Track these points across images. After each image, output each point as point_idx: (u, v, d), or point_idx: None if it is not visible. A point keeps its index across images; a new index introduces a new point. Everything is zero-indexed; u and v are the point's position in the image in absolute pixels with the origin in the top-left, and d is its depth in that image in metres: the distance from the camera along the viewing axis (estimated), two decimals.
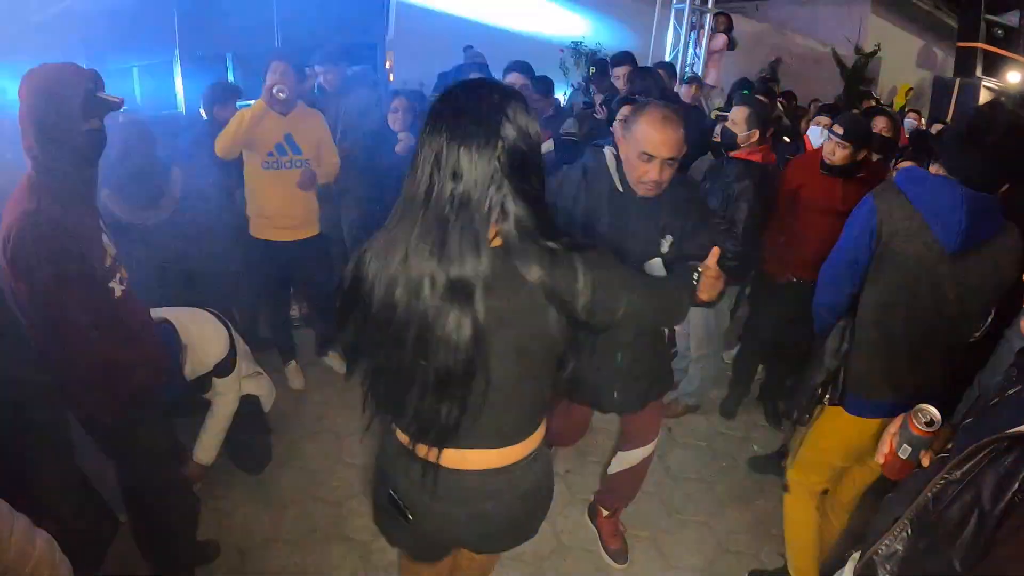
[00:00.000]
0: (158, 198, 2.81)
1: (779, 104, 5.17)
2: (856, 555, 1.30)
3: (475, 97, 1.09)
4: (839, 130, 2.64)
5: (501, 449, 1.27)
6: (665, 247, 1.84)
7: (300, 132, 2.90)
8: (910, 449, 1.20)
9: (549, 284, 1.10)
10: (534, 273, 1.09)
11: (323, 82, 3.71)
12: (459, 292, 1.08)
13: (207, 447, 2.38)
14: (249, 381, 2.56)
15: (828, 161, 2.69)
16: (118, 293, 1.70)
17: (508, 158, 1.06)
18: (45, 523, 1.36)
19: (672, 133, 1.67)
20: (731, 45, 6.52)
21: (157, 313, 2.10)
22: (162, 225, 2.80)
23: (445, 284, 1.08)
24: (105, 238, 1.68)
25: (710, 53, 6.57)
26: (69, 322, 1.57)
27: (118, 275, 1.70)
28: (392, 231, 1.13)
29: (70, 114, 1.50)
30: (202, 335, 2.24)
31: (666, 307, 1.40)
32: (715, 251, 1.38)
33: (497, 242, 1.10)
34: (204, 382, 2.30)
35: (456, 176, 1.05)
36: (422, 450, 1.24)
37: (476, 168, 1.05)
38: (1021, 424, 0.94)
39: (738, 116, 2.78)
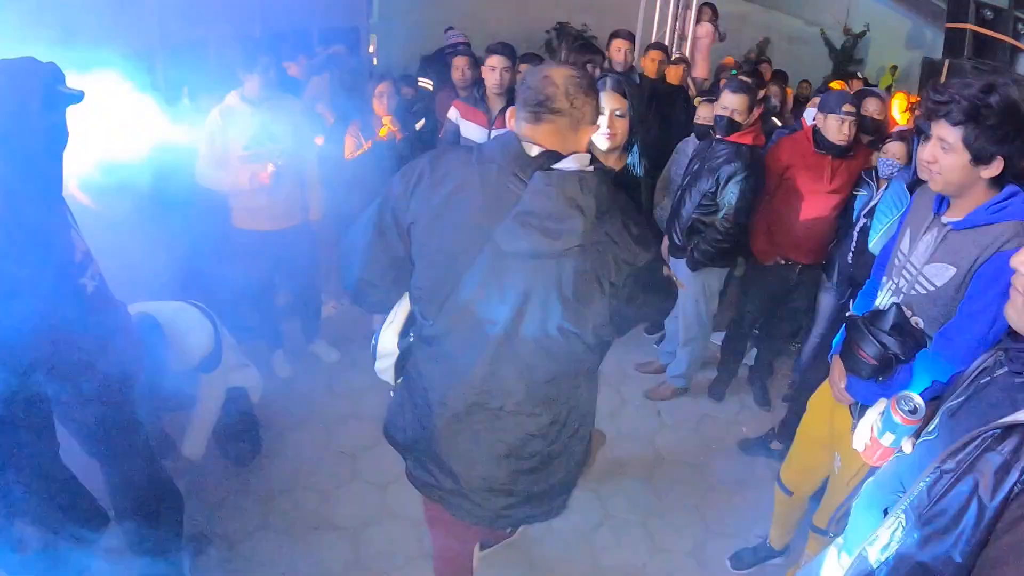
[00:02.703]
0: None
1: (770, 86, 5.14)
2: (840, 541, 1.30)
3: None
4: (850, 108, 2.66)
5: None
6: None
7: (276, 122, 2.81)
8: (893, 437, 1.19)
9: None
10: None
11: (292, 74, 3.84)
12: None
13: (194, 443, 2.36)
14: (236, 372, 2.53)
15: (837, 141, 2.69)
16: (90, 289, 1.65)
17: None
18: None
19: None
20: (721, 37, 6.43)
21: (140, 307, 2.07)
22: None
23: None
24: (74, 234, 1.63)
25: (695, 40, 6.46)
26: (40, 324, 1.52)
27: (89, 271, 1.66)
28: None
29: (30, 110, 1.43)
30: (187, 330, 2.20)
31: None
32: None
33: None
34: (189, 377, 2.27)
35: None
36: None
37: None
38: (1012, 411, 0.94)
39: (739, 105, 2.70)
